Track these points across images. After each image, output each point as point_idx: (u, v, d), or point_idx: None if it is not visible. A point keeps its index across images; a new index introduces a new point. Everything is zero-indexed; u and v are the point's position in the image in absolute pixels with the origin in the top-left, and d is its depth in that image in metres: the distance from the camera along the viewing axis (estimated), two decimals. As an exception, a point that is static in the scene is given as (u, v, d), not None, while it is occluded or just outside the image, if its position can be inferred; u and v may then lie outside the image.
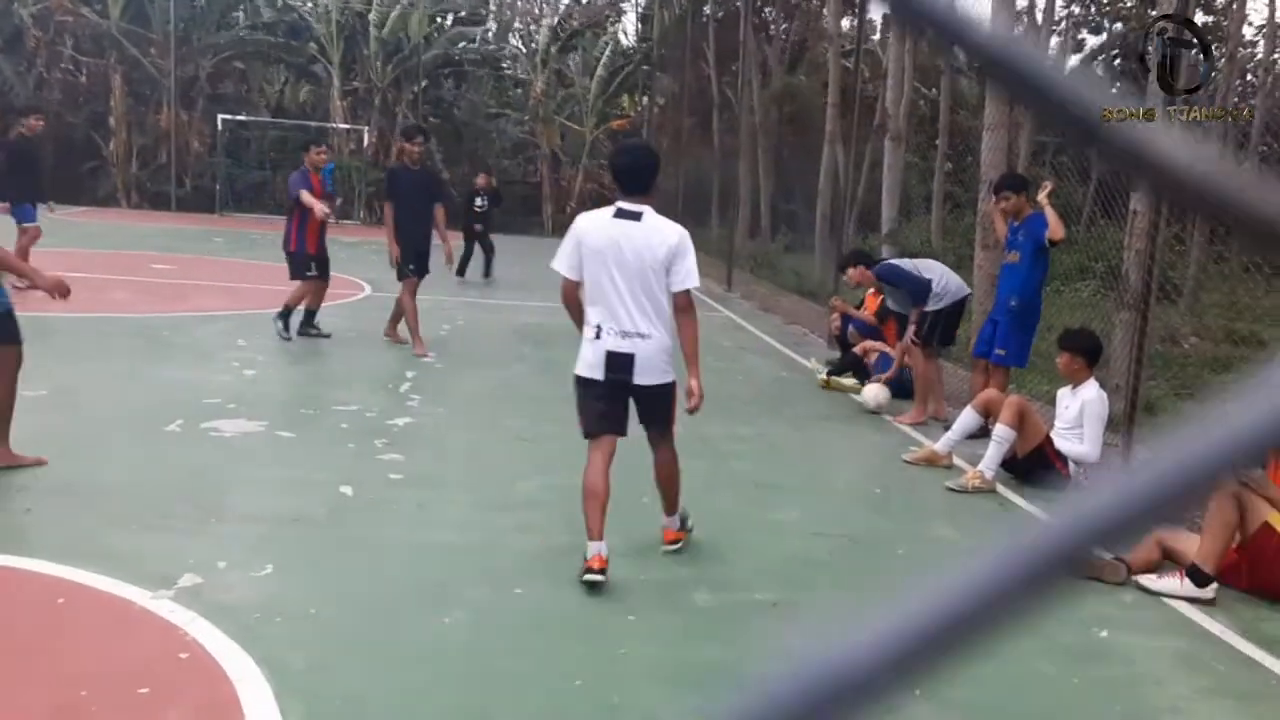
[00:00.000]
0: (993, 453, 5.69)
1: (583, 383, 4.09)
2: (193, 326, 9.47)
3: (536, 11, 32.18)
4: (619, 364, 3.98)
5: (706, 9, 24.38)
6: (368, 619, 3.55)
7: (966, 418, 6.11)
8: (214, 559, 3.91)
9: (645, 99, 32.01)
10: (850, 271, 8.06)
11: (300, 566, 3.97)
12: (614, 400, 4.06)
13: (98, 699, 2.86)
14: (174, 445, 5.53)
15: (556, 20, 31.60)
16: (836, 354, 9.21)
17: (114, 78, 26.26)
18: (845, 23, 20.52)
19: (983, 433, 6.07)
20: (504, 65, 32.29)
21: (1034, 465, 5.76)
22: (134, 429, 5.77)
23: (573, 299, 4.14)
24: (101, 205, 25.48)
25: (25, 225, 10.48)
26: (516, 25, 32.86)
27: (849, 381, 8.43)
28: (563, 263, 4.07)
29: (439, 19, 29.73)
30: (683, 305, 4.03)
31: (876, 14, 16.66)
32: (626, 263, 3.93)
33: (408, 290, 8.61)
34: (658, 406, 4.16)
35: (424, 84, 27.98)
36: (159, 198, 26.83)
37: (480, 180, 15.22)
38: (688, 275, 3.98)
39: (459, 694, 3.07)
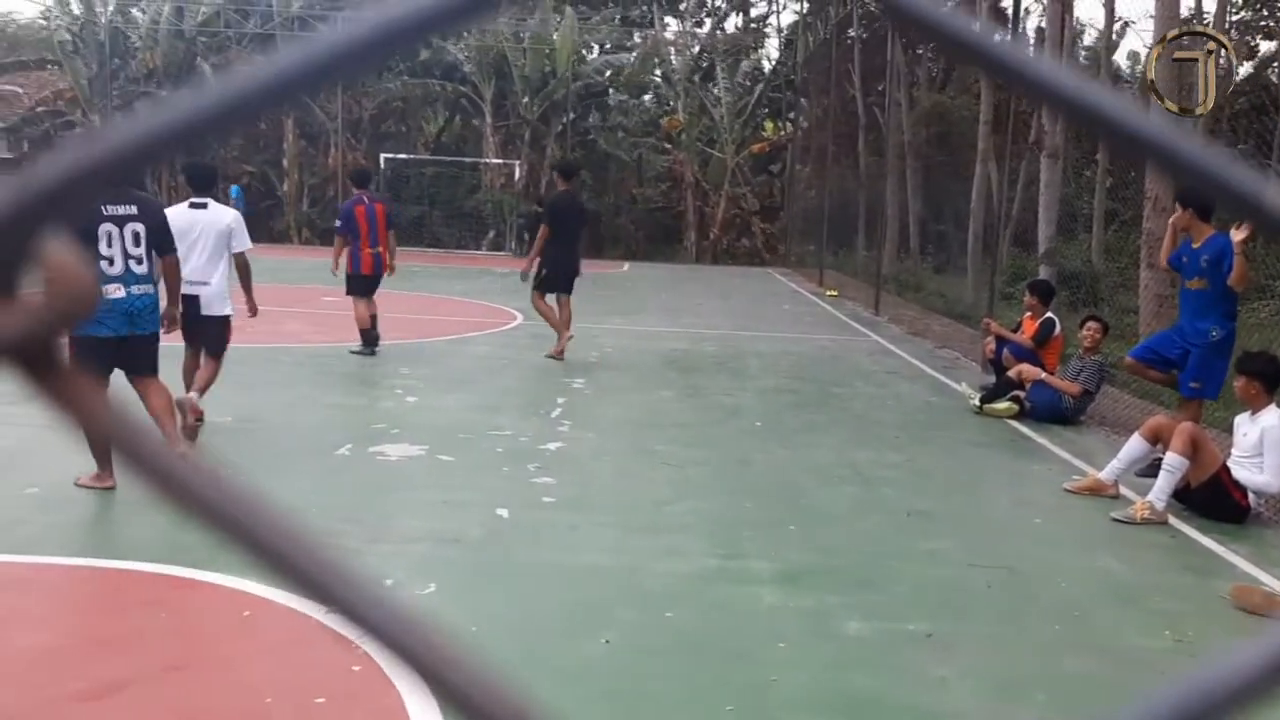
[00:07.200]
0: (1163, 482, 5.40)
1: None
2: (358, 356, 9.99)
3: (679, 41, 32.57)
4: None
5: (851, 31, 24.18)
6: (523, 638, 3.67)
7: (1134, 445, 5.82)
8: (380, 577, 4.12)
9: (789, 123, 31.91)
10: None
11: (460, 586, 4.13)
12: None
13: (280, 706, 3.07)
14: (344, 468, 5.86)
15: (698, 48, 31.92)
16: (991, 379, 8.92)
17: (286, 123, 28.06)
18: (997, 37, 19.91)
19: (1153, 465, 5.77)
20: (647, 95, 32.79)
21: (1209, 496, 5.43)
22: (307, 452, 6.14)
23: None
24: (275, 242, 27.21)
25: None
26: (658, 56, 33.36)
27: (1003, 406, 8.16)
28: None
29: (583, 50, 30.52)
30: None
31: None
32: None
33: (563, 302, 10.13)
34: None
35: (571, 116, 28.71)
36: (327, 234, 28.34)
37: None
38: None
39: (611, 716, 3.13)
